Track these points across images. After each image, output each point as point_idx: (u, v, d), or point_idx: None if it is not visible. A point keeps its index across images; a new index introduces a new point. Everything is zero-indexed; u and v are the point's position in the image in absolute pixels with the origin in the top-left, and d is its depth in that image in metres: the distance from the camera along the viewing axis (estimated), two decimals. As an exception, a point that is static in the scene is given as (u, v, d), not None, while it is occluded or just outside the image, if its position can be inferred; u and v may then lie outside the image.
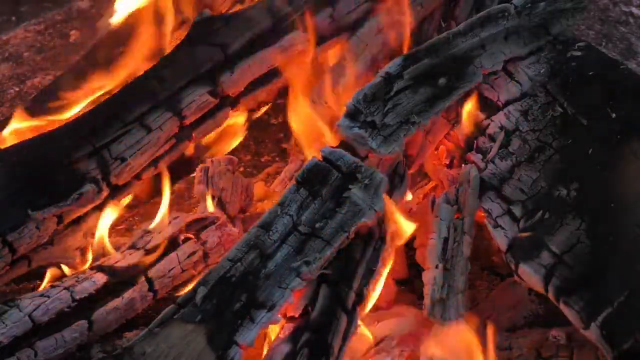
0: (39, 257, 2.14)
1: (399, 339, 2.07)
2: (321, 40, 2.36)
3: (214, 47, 2.27)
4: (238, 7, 2.45)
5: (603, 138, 2.04)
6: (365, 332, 2.02)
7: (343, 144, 2.02)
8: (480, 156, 2.14)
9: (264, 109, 2.52)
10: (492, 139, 2.15)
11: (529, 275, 1.96)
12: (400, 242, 2.06)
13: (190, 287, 2.20)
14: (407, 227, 2.03)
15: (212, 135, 2.41)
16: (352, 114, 1.96)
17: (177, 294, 2.21)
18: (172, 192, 2.63)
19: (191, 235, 2.31)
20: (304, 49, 2.31)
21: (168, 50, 2.40)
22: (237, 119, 2.40)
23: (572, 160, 2.04)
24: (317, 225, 1.87)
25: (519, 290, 2.27)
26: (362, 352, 2.04)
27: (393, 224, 2.00)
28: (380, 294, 2.21)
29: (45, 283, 2.19)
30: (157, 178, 2.32)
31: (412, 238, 2.35)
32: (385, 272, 2.10)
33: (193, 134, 2.26)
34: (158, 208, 2.54)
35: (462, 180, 2.11)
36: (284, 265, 1.84)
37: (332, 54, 2.44)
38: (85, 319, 2.09)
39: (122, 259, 2.21)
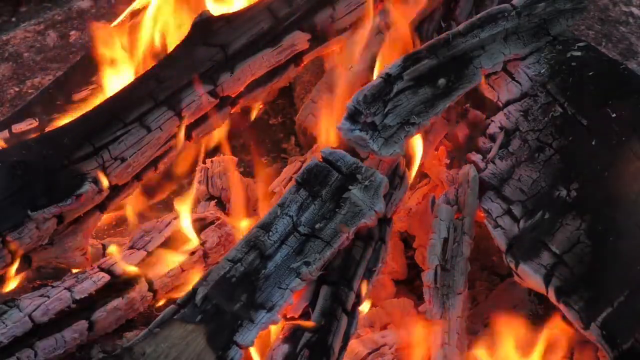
0: (39, 257, 2.14)
1: (397, 348, 2.07)
2: (321, 40, 2.36)
3: (214, 47, 2.27)
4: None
5: (603, 138, 2.04)
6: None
7: (343, 145, 2.03)
8: (480, 156, 2.14)
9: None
10: (492, 139, 2.15)
11: (529, 275, 1.96)
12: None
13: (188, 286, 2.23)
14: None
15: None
16: (352, 115, 1.96)
17: (177, 294, 2.21)
18: (172, 192, 2.64)
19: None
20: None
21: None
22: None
23: (572, 160, 2.04)
24: (317, 226, 1.87)
25: (519, 290, 2.27)
26: (361, 356, 2.05)
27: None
28: (379, 295, 2.22)
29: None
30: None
31: (412, 238, 2.36)
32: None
33: (193, 134, 2.26)
34: (158, 208, 2.54)
35: (461, 180, 2.11)
36: (284, 266, 1.84)
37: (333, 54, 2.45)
38: (85, 319, 2.09)
39: (122, 259, 2.21)
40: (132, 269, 2.18)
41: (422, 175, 2.37)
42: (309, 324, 1.83)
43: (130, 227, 2.49)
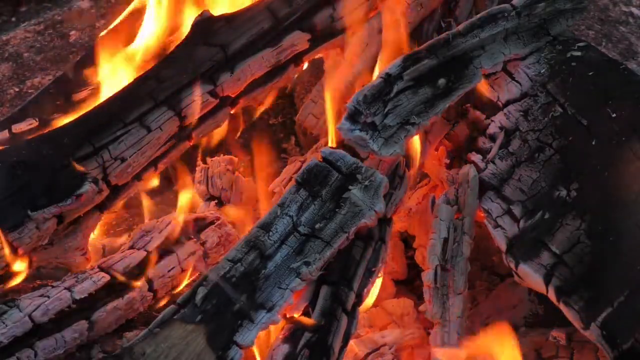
0: (39, 257, 2.15)
1: (397, 348, 2.08)
2: (321, 40, 2.36)
3: (214, 47, 2.27)
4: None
5: (603, 138, 2.04)
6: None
7: (343, 145, 2.03)
8: (480, 156, 2.14)
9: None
10: (492, 139, 2.15)
11: (529, 275, 1.96)
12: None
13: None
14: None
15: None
16: (352, 115, 1.96)
17: (176, 294, 2.21)
18: (172, 192, 2.64)
19: (191, 235, 2.31)
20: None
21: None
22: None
23: (572, 160, 2.04)
24: (317, 226, 1.87)
25: (519, 290, 2.27)
26: (361, 356, 2.05)
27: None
28: (380, 295, 2.22)
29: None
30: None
31: (412, 238, 2.36)
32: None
33: (193, 134, 2.26)
34: (158, 208, 2.54)
35: (461, 180, 2.11)
36: (284, 266, 1.84)
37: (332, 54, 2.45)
38: (85, 319, 2.09)
39: (122, 259, 2.21)
40: (132, 269, 2.18)
41: (422, 175, 2.37)
42: (310, 321, 1.83)
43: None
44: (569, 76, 2.14)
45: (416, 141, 2.14)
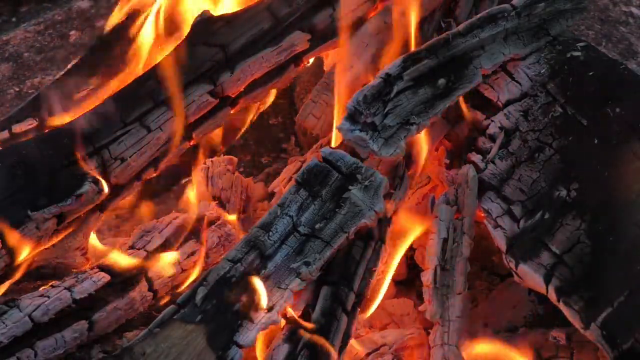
0: (39, 257, 2.14)
1: (397, 348, 2.07)
2: (321, 40, 2.36)
3: (214, 47, 2.27)
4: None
5: (603, 138, 2.04)
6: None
7: (343, 145, 2.03)
8: (480, 156, 2.14)
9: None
10: (492, 139, 2.15)
11: (529, 275, 1.96)
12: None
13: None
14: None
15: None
16: (352, 115, 1.96)
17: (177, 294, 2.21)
18: (172, 192, 2.64)
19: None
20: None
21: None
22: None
23: (572, 160, 2.04)
24: (317, 226, 1.88)
25: (519, 290, 2.27)
26: (361, 356, 2.05)
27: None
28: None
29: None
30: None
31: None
32: (389, 275, 2.12)
33: (193, 134, 2.26)
34: (158, 208, 2.54)
35: (461, 180, 2.11)
36: (284, 266, 1.84)
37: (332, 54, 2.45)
38: (85, 319, 2.09)
39: (122, 259, 2.21)
40: (132, 269, 2.18)
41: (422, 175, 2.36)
42: (309, 325, 1.84)
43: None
44: (569, 76, 2.14)
45: (421, 140, 2.14)
